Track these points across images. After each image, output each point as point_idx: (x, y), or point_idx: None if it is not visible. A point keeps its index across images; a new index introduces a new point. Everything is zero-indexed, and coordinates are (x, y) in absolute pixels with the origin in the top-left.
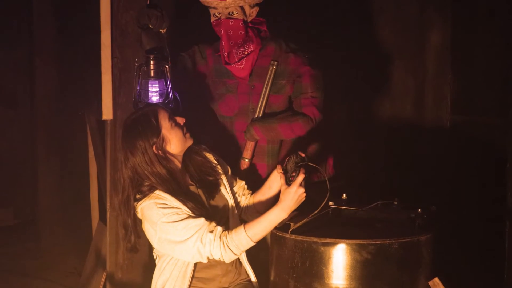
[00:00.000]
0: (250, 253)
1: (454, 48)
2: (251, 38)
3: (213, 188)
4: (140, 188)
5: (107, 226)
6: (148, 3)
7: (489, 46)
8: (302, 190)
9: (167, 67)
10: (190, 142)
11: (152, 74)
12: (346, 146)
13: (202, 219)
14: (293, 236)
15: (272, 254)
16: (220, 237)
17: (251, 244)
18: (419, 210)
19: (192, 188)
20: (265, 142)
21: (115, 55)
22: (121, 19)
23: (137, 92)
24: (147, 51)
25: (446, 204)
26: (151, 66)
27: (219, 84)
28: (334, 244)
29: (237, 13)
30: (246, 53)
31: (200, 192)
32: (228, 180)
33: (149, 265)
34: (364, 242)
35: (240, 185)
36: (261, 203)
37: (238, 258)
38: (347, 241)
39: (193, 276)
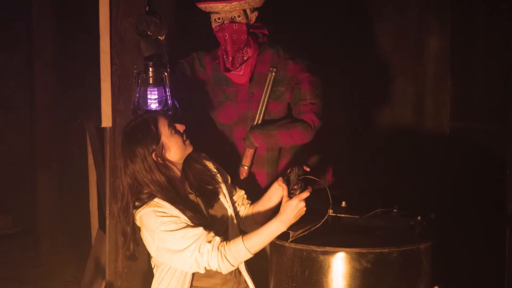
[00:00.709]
0: (249, 262)
1: (453, 53)
2: (249, 43)
3: (212, 197)
4: (139, 196)
5: (106, 234)
6: (147, 9)
7: (488, 52)
8: (303, 204)
9: (166, 74)
10: (189, 150)
11: (151, 81)
12: (345, 153)
13: (201, 229)
14: (292, 245)
15: (271, 263)
16: (218, 248)
17: (249, 255)
18: (419, 218)
19: (191, 196)
20: (264, 150)
21: (114, 62)
22: (119, 25)
23: (136, 99)
24: (146, 58)
25: (446, 211)
26: (150, 73)
27: (218, 92)
28: (334, 252)
29: (240, 16)
30: (245, 58)
31: (199, 200)
32: (227, 189)
33: (148, 274)
34: (364, 251)
35: (240, 195)
36: (260, 214)
37: (238, 267)
38: (347, 249)
39: (191, 286)
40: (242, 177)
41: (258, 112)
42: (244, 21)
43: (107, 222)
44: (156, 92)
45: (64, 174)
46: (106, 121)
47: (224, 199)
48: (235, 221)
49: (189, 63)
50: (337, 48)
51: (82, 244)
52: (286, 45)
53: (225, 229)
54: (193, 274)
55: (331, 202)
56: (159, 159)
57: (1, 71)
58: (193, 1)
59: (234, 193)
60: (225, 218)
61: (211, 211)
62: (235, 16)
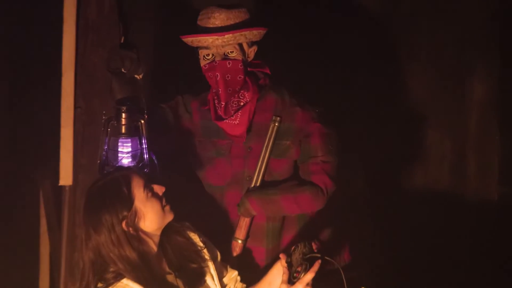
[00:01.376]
0: None
1: (502, 101)
2: (247, 85)
3: (196, 279)
4: (103, 275)
5: None
6: (121, 41)
7: None
8: None
9: (142, 122)
10: (169, 218)
11: (123, 131)
12: (365, 226)
13: None
14: None
15: None
16: None
17: None
18: None
19: (170, 277)
20: (264, 220)
21: (78, 105)
22: (87, 60)
23: (104, 152)
24: (118, 102)
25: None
26: (123, 120)
27: (207, 145)
28: None
29: (234, 52)
30: (241, 104)
31: (179, 283)
32: (216, 269)
33: None
34: None
35: (232, 276)
36: None
37: None
38: None
39: None
40: (235, 254)
41: (257, 171)
42: (239, 57)
43: None
44: (130, 144)
45: (8, 244)
46: (66, 178)
47: (211, 281)
48: None
49: (172, 108)
50: (356, 94)
51: None
52: (293, 89)
53: None
54: None
55: (345, 285)
56: (130, 229)
57: None
58: (179, 33)
59: (224, 274)
60: None
61: None
62: (228, 52)
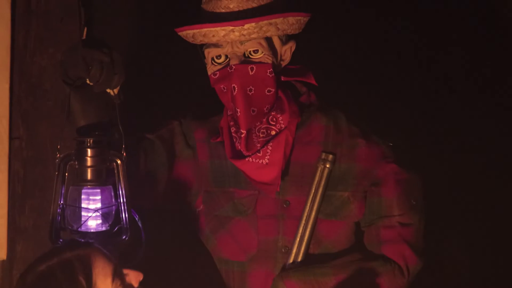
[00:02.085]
0: None
1: None
2: (281, 104)
3: None
4: None
5: None
6: (84, 37)
7: None
8: None
9: (119, 162)
10: None
11: (89, 176)
12: None
13: None
14: None
15: None
16: None
17: None
18: None
19: None
20: None
21: (16, 134)
22: (31, 64)
23: (60, 210)
24: (81, 131)
25: None
26: (88, 160)
27: (220, 198)
28: None
29: (260, 51)
30: (272, 133)
31: None
32: None
33: None
34: None
35: None
36: None
37: None
38: None
39: None
40: None
41: (298, 239)
42: (268, 60)
43: None
44: (99, 197)
45: None
46: None
47: None
48: None
49: (165, 140)
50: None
51: None
52: (354, 110)
53: None
54: None
55: None
56: None
57: None
58: (173, 23)
59: None
60: None
61: None
62: (251, 52)
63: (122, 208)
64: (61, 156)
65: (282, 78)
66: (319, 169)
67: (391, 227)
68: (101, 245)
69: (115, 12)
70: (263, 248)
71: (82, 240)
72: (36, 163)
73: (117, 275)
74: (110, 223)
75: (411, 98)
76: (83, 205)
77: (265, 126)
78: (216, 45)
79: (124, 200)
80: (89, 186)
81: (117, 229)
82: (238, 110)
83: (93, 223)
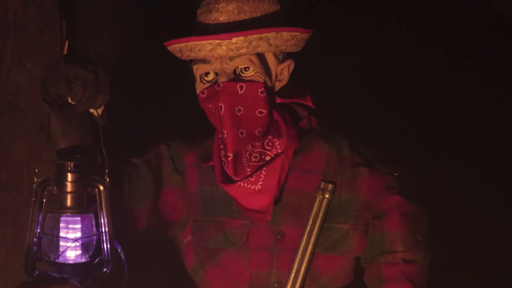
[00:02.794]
0: None
1: None
2: (277, 128)
3: None
4: None
5: None
6: (65, 51)
7: None
8: None
9: (101, 188)
10: None
11: (68, 203)
12: None
13: None
14: None
15: None
16: None
17: None
18: None
19: None
20: None
21: None
22: (6, 81)
23: (36, 239)
24: (61, 154)
25: None
26: (68, 185)
27: (209, 228)
28: None
29: (251, 68)
30: (267, 158)
31: None
32: None
33: None
34: None
35: None
36: None
37: None
38: None
39: None
40: None
41: (293, 274)
42: (260, 78)
43: None
44: (79, 226)
45: None
46: None
47: None
48: None
49: (152, 165)
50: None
51: None
52: (357, 136)
53: None
54: None
55: None
56: None
57: None
58: (164, 37)
59: None
60: None
61: None
62: (242, 69)
63: (104, 238)
64: (38, 180)
65: (278, 100)
66: (318, 199)
67: (394, 264)
68: (80, 279)
69: (99, 24)
70: (255, 283)
71: (57, 275)
72: (10, 187)
73: None
74: (90, 254)
75: (418, 125)
76: (62, 234)
77: (259, 150)
78: (204, 61)
79: (106, 229)
80: (68, 214)
81: (98, 260)
82: (225, 131)
83: (72, 253)
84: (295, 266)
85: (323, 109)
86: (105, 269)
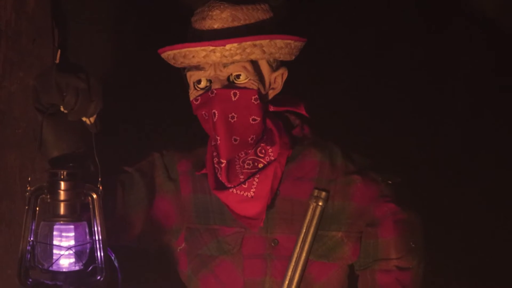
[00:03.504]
0: None
1: None
2: (270, 135)
3: None
4: None
5: None
6: (57, 60)
7: None
8: None
9: (95, 197)
10: None
11: (62, 211)
12: None
13: None
14: None
15: None
16: None
17: None
18: None
19: None
20: None
21: None
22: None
23: (29, 247)
24: (54, 162)
25: None
26: (62, 194)
27: (203, 236)
28: None
29: (244, 75)
30: (260, 166)
31: None
32: None
33: None
34: None
35: None
36: None
37: None
38: None
39: None
40: None
41: (287, 281)
42: (254, 85)
43: None
44: (73, 234)
45: None
46: None
47: None
48: None
49: (144, 174)
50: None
51: None
52: (350, 144)
53: None
54: None
55: None
56: None
57: None
58: (158, 44)
59: None
60: None
61: None
62: (235, 76)
63: (97, 246)
64: (32, 189)
65: (271, 108)
66: (311, 206)
67: (388, 271)
68: (74, 286)
69: (91, 33)
70: None
71: (50, 283)
72: (3, 196)
73: None
74: (84, 262)
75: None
76: (55, 242)
77: (252, 157)
78: (197, 68)
79: (100, 237)
80: (61, 222)
81: (92, 268)
82: (218, 138)
83: (66, 262)
84: (289, 273)
85: (317, 117)
86: (98, 277)
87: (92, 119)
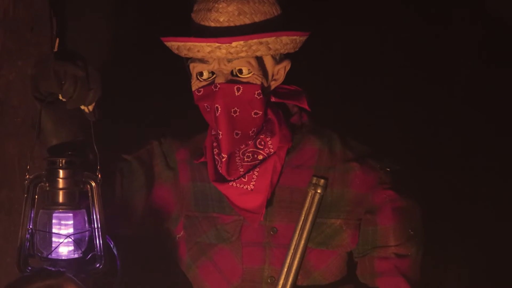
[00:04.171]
0: None
1: None
2: (271, 127)
3: None
4: None
5: None
6: (55, 48)
7: None
8: None
9: (93, 185)
10: None
11: (61, 199)
12: None
13: None
14: None
15: None
16: None
17: None
18: None
19: None
20: None
21: None
22: None
23: (28, 235)
24: (53, 151)
25: None
26: (60, 182)
27: (202, 224)
28: None
29: (248, 71)
30: (260, 157)
31: None
32: None
33: None
34: None
35: None
36: None
37: None
38: None
39: None
40: None
41: (285, 269)
42: (257, 80)
43: None
44: (72, 222)
45: None
46: None
47: None
48: None
49: (143, 161)
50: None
51: None
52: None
53: None
54: None
55: None
56: None
57: None
58: (159, 32)
59: None
60: None
61: None
62: (238, 71)
63: (96, 234)
64: (30, 177)
65: (272, 99)
66: (310, 194)
67: (387, 258)
68: (73, 274)
69: (90, 21)
70: (247, 278)
71: (53, 269)
72: (2, 184)
73: None
74: (83, 250)
75: (411, 121)
76: (54, 230)
77: (251, 149)
78: (201, 61)
79: (99, 225)
80: (60, 210)
81: (91, 256)
82: (220, 132)
83: (65, 249)
84: (288, 261)
85: (319, 107)
86: (97, 265)
87: (90, 107)
